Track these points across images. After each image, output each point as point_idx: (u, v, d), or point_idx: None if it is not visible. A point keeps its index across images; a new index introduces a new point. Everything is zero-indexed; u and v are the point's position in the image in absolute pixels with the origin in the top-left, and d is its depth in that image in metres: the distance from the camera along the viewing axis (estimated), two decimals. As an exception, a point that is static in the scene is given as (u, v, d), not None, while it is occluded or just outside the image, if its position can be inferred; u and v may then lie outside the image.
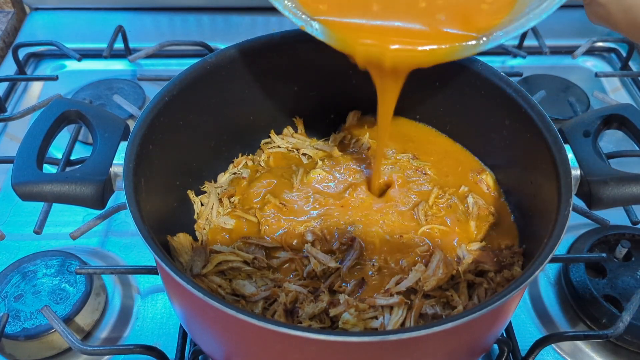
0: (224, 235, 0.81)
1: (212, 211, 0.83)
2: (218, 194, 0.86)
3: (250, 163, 0.91)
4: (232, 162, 0.93)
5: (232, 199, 0.85)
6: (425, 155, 0.92)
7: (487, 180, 0.87)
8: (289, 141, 0.94)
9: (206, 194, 0.86)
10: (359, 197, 0.85)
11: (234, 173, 0.89)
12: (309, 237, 0.79)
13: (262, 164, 0.90)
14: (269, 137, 0.96)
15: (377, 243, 0.80)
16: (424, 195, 0.85)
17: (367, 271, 0.77)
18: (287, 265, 0.78)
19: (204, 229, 0.82)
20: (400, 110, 0.97)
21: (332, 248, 0.78)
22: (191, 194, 0.85)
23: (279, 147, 0.93)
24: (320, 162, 0.89)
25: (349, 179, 0.88)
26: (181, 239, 0.78)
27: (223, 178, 0.89)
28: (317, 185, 0.86)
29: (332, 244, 0.79)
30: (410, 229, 0.81)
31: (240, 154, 0.93)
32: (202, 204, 0.86)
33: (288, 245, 0.79)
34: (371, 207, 0.84)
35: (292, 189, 0.85)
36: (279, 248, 0.79)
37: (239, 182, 0.87)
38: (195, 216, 0.85)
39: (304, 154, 0.93)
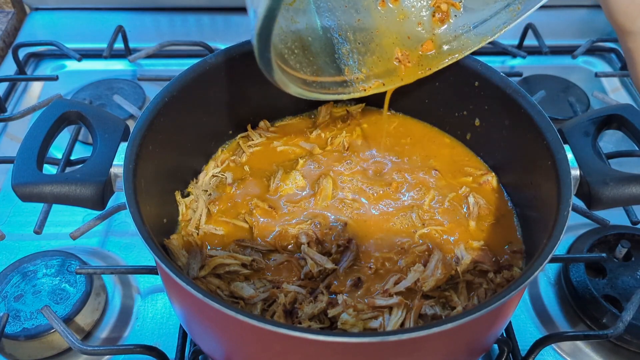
0: (215, 241, 0.81)
1: (202, 218, 0.82)
2: (205, 200, 0.85)
3: (232, 164, 0.91)
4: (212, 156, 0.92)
5: (219, 207, 0.84)
6: (428, 154, 0.92)
7: (492, 181, 0.87)
8: (266, 136, 0.94)
9: (193, 198, 0.85)
10: (348, 197, 0.85)
11: (215, 175, 0.89)
12: (303, 239, 0.79)
13: (247, 168, 0.89)
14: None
15: (374, 244, 0.80)
16: (421, 197, 0.85)
17: (364, 272, 0.77)
18: (282, 266, 0.78)
19: (192, 235, 0.81)
20: (402, 110, 0.97)
21: (328, 249, 0.78)
22: (178, 196, 0.84)
23: (256, 145, 0.93)
24: (301, 161, 0.89)
25: (335, 178, 0.87)
26: (178, 241, 0.78)
27: (206, 178, 0.88)
28: (300, 186, 0.86)
29: (326, 245, 0.79)
30: (408, 229, 0.81)
31: (220, 150, 0.93)
32: (185, 206, 0.84)
33: (282, 247, 0.79)
34: (364, 207, 0.84)
35: (276, 191, 0.85)
36: (273, 251, 0.79)
37: (224, 188, 0.86)
38: (180, 217, 0.83)
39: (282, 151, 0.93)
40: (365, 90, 0.82)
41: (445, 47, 0.81)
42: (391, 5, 0.80)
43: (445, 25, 0.80)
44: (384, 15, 0.81)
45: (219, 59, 0.84)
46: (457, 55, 0.81)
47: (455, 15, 0.80)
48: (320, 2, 0.78)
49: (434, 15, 0.79)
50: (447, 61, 0.81)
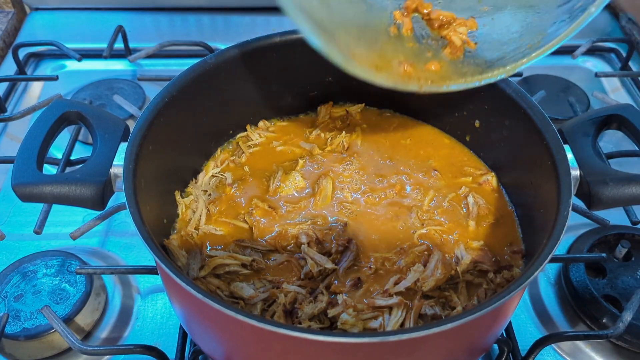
0: (215, 241, 0.81)
1: (202, 218, 0.82)
2: (205, 200, 0.84)
3: (232, 165, 0.90)
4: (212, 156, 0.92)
5: (218, 207, 0.84)
6: (428, 155, 0.92)
7: (492, 181, 0.87)
8: (266, 136, 0.94)
9: (192, 198, 0.85)
10: (348, 197, 0.85)
11: (215, 175, 0.89)
12: (303, 239, 0.79)
13: (247, 169, 0.89)
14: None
15: (374, 244, 0.80)
16: (421, 198, 0.85)
17: (364, 272, 0.77)
18: (282, 266, 0.78)
19: (192, 235, 0.81)
20: (402, 111, 0.97)
21: (328, 249, 0.78)
22: (177, 196, 0.84)
23: (256, 145, 0.93)
24: (301, 161, 0.89)
25: (335, 179, 0.87)
26: (178, 241, 0.78)
27: (205, 178, 0.88)
28: (300, 187, 0.86)
29: (326, 245, 0.79)
30: (407, 230, 0.81)
31: (219, 150, 0.93)
32: (185, 206, 0.84)
33: (282, 247, 0.79)
34: (364, 207, 0.84)
35: (276, 192, 0.85)
36: (272, 251, 0.79)
37: (224, 189, 0.86)
38: (179, 217, 0.83)
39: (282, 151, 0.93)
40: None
41: (455, 76, 0.76)
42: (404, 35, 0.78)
43: (457, 59, 0.76)
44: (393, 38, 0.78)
45: (219, 59, 0.84)
46: (466, 83, 0.75)
47: (469, 52, 0.76)
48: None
49: (444, 48, 0.76)
50: (455, 87, 0.75)
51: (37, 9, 1.49)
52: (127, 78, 1.29)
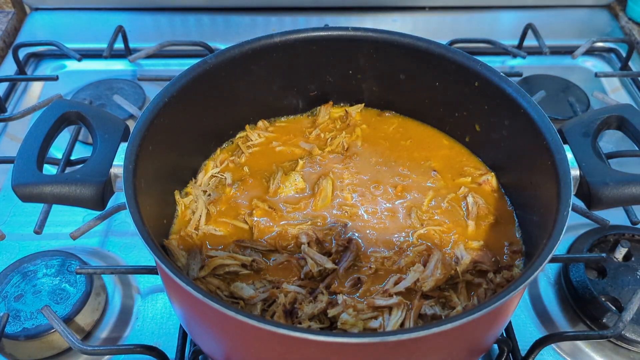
0: (215, 242, 0.81)
1: (202, 219, 0.82)
2: (204, 200, 0.84)
3: (231, 165, 0.90)
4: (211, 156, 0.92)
5: (218, 208, 0.84)
6: (428, 155, 0.92)
7: (491, 181, 0.87)
8: (265, 136, 0.94)
9: (192, 198, 0.85)
10: (348, 197, 0.85)
11: (215, 176, 0.88)
12: (304, 239, 0.79)
13: (246, 169, 0.89)
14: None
15: (374, 244, 0.80)
16: (420, 198, 0.85)
17: (364, 272, 0.77)
18: (282, 266, 0.78)
19: (192, 236, 0.81)
20: (402, 111, 0.97)
21: (328, 249, 0.78)
22: (177, 196, 0.84)
23: (255, 145, 0.93)
24: (300, 162, 0.89)
25: (335, 179, 0.87)
26: (178, 242, 0.78)
27: (205, 178, 0.88)
28: (300, 187, 0.86)
29: (325, 245, 0.79)
30: (407, 230, 0.81)
31: (219, 150, 0.93)
32: (185, 206, 0.84)
33: (282, 247, 0.79)
34: (363, 207, 0.84)
35: (276, 193, 0.85)
36: (272, 251, 0.79)
37: (224, 189, 0.86)
38: (177, 217, 0.83)
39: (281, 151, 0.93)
40: None
41: None
42: None
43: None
44: None
45: (219, 59, 0.84)
46: None
47: None
48: None
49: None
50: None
51: (37, 9, 1.49)
52: (127, 78, 1.29)
